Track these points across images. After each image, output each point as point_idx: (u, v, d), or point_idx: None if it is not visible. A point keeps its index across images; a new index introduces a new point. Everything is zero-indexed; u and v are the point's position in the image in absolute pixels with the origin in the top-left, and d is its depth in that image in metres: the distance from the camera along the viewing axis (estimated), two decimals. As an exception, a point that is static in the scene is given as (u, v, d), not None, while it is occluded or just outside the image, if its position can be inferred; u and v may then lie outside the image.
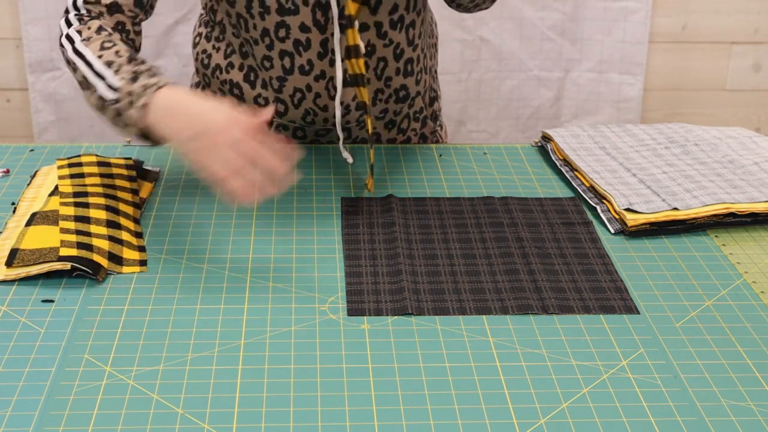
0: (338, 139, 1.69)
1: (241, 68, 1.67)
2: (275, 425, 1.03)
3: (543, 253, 1.38)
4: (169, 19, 2.67)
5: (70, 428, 1.02)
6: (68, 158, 1.58)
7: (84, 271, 1.28)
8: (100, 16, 1.51)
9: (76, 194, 1.44)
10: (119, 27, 1.52)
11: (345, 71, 1.61)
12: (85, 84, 1.41)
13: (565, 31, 2.81)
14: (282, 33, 1.59)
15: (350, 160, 1.64)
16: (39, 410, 1.05)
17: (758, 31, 2.84)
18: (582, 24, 2.79)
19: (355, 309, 1.24)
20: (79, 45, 1.43)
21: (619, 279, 1.32)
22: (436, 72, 1.83)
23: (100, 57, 1.39)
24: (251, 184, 1.20)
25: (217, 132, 1.21)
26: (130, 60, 1.38)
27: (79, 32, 1.45)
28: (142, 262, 1.34)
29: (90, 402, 1.06)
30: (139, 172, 1.58)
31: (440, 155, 1.71)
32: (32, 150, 1.69)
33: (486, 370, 1.12)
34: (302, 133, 1.72)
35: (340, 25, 1.57)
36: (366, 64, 1.63)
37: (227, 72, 1.69)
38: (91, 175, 1.51)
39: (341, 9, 1.56)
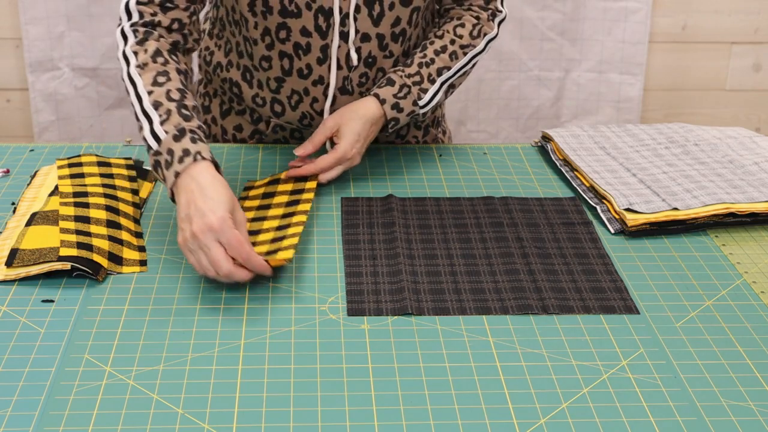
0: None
1: (238, 67, 1.68)
2: (275, 425, 1.03)
3: (543, 253, 1.38)
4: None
5: (70, 428, 1.02)
6: (68, 158, 1.58)
7: (84, 271, 1.28)
8: (154, 20, 1.47)
9: (76, 194, 1.44)
10: (176, 45, 1.48)
11: (344, 79, 1.62)
12: (133, 114, 1.41)
13: (565, 31, 2.81)
14: (283, 34, 1.59)
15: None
16: (39, 410, 1.05)
17: (758, 31, 2.84)
18: (582, 24, 2.79)
19: (355, 309, 1.24)
20: (132, 70, 1.42)
21: (619, 279, 1.32)
22: None
23: (150, 93, 1.39)
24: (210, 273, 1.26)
25: (199, 229, 1.24)
26: (180, 106, 1.37)
27: (136, 54, 1.43)
28: (142, 262, 1.34)
29: (90, 402, 1.06)
30: (139, 172, 1.58)
31: (440, 155, 1.71)
32: (32, 150, 1.69)
33: (486, 370, 1.12)
34: (299, 135, 1.72)
35: (341, 33, 1.57)
36: (366, 75, 1.63)
37: (227, 70, 1.69)
38: (91, 175, 1.51)
39: (343, 16, 1.56)
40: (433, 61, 1.62)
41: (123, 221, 1.41)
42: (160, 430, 1.02)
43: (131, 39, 1.46)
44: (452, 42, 1.64)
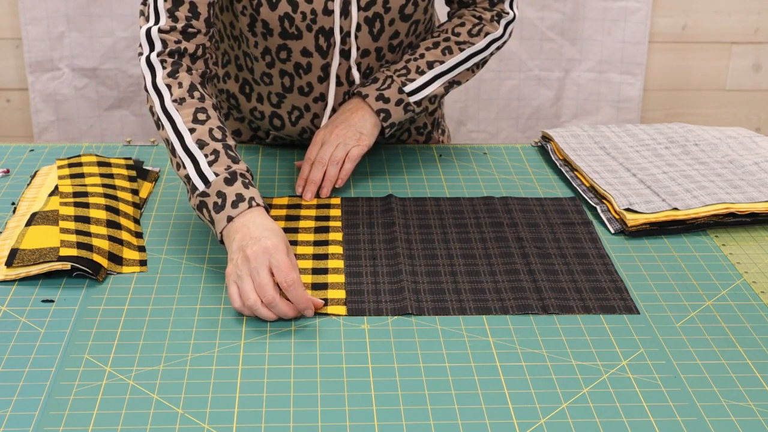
0: None
1: (236, 79, 1.67)
2: (275, 425, 1.03)
3: (543, 253, 1.38)
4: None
5: (70, 428, 1.02)
6: (68, 158, 1.58)
7: (84, 271, 1.28)
8: (180, 48, 1.42)
9: (76, 194, 1.44)
10: (204, 76, 1.44)
11: (344, 94, 1.62)
12: (169, 149, 1.37)
13: (565, 31, 2.81)
14: (283, 55, 1.58)
15: None
16: (39, 410, 1.05)
17: (758, 31, 2.84)
18: (582, 24, 2.79)
19: (355, 309, 1.24)
20: (169, 105, 1.38)
21: (619, 279, 1.32)
22: None
23: (192, 131, 1.35)
24: (248, 304, 1.20)
25: (253, 252, 1.21)
26: (225, 147, 1.35)
27: (170, 87, 1.40)
28: (142, 262, 1.34)
29: (90, 402, 1.06)
30: (139, 172, 1.58)
31: (440, 155, 1.71)
32: (32, 150, 1.69)
33: (486, 370, 1.12)
34: (300, 143, 1.72)
35: (341, 51, 1.57)
36: (363, 85, 1.63)
37: (224, 82, 1.68)
38: (91, 175, 1.51)
39: (343, 35, 1.56)
40: (422, 55, 1.60)
41: (123, 221, 1.41)
42: (160, 430, 1.02)
43: (160, 71, 1.41)
44: (447, 39, 1.62)
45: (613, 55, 2.81)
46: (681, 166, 1.60)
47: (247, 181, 1.32)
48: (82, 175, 1.51)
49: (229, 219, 1.28)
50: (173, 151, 1.36)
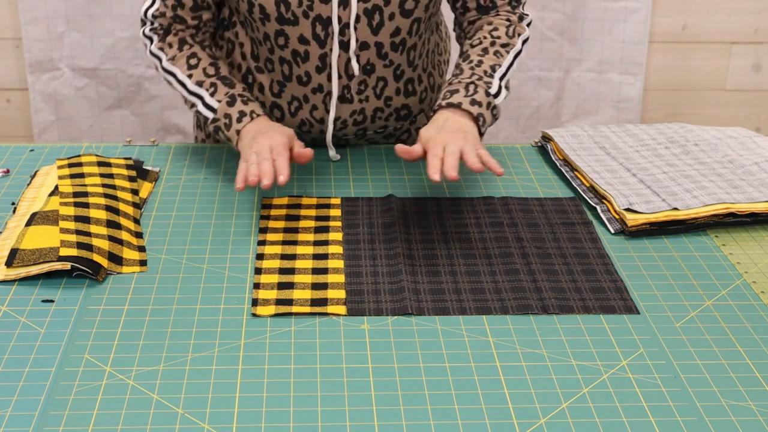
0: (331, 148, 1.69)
1: (240, 69, 1.68)
2: (275, 425, 1.03)
3: (543, 253, 1.38)
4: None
5: (70, 428, 1.02)
6: (68, 158, 1.58)
7: (84, 271, 1.28)
8: (168, 25, 1.63)
9: (76, 194, 1.44)
10: (195, 29, 1.64)
11: (344, 87, 1.62)
12: (181, 96, 1.62)
13: (565, 31, 2.81)
14: (281, 41, 1.59)
15: (337, 157, 1.67)
16: (39, 410, 1.05)
17: (758, 31, 2.84)
18: (582, 24, 2.79)
19: (355, 309, 1.24)
20: (166, 64, 1.62)
21: (619, 279, 1.32)
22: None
23: (190, 77, 1.60)
24: (252, 172, 1.42)
25: (257, 142, 1.47)
26: (220, 78, 1.60)
27: (162, 49, 1.63)
28: (142, 262, 1.34)
29: (90, 402, 1.06)
30: (139, 172, 1.58)
31: (440, 155, 1.71)
32: (32, 150, 1.69)
33: (486, 370, 1.12)
34: (301, 139, 1.72)
35: (340, 42, 1.57)
36: (364, 83, 1.63)
37: (229, 72, 1.69)
38: (91, 175, 1.51)
39: (342, 26, 1.56)
40: (480, 62, 1.58)
41: (123, 221, 1.41)
42: (160, 430, 1.02)
43: (155, 40, 1.63)
44: (492, 44, 1.61)
45: (613, 55, 2.81)
46: (681, 166, 1.60)
47: (245, 98, 1.57)
48: (82, 175, 1.51)
49: (238, 132, 1.54)
50: (183, 96, 1.61)
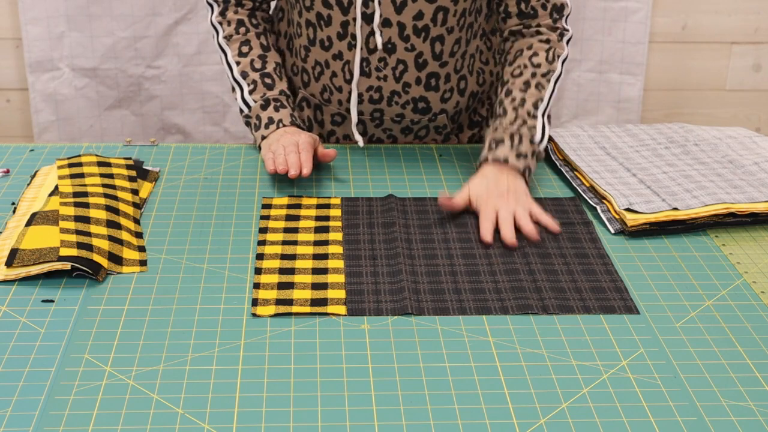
0: (352, 123, 1.71)
1: (285, 35, 1.76)
2: (275, 425, 1.03)
3: (543, 253, 1.38)
4: (169, 19, 2.67)
5: (70, 428, 1.02)
6: (68, 158, 1.58)
7: (84, 271, 1.28)
8: None
9: (76, 194, 1.44)
10: (253, 9, 1.72)
11: (363, 60, 1.63)
12: (227, 74, 1.71)
13: (565, 31, 2.80)
14: (308, 2, 1.64)
15: (361, 143, 1.70)
16: (39, 410, 1.05)
17: (758, 31, 2.84)
18: (582, 24, 2.79)
19: (355, 309, 1.24)
20: (221, 41, 1.72)
21: (619, 279, 1.32)
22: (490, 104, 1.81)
23: (238, 63, 1.69)
24: (280, 161, 1.53)
25: (291, 134, 1.59)
26: (263, 75, 1.67)
27: (220, 24, 1.72)
28: (142, 262, 1.34)
29: (90, 402, 1.06)
30: (139, 172, 1.58)
31: (440, 155, 1.71)
32: (32, 150, 1.69)
33: (486, 370, 1.12)
34: (321, 116, 1.75)
35: (363, 14, 1.59)
36: (384, 60, 1.64)
37: (278, 41, 1.78)
38: (91, 175, 1.51)
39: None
40: (523, 100, 1.59)
41: (123, 221, 1.41)
42: (160, 430, 1.02)
43: (215, 9, 1.73)
44: (533, 75, 1.61)
45: (613, 55, 2.81)
46: (681, 166, 1.60)
47: (279, 104, 1.65)
48: (82, 175, 1.51)
49: (263, 137, 1.63)
50: (229, 76, 1.70)
